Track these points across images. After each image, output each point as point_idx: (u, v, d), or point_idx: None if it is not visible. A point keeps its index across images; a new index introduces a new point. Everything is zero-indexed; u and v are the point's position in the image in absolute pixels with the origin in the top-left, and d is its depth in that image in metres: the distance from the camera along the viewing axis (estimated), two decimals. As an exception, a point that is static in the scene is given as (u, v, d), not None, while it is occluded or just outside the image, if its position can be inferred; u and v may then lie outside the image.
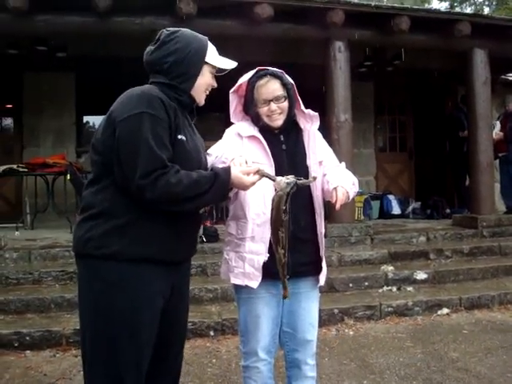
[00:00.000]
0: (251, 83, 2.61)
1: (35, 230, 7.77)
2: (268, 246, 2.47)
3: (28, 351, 4.44)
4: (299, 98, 2.67)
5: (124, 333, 2.08)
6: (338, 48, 7.07)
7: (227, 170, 2.18)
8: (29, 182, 8.07)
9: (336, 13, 6.71)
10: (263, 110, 2.59)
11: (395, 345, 4.61)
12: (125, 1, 6.17)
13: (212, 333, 4.81)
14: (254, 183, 2.22)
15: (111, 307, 2.08)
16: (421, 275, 6.03)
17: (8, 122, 9.61)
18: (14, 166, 7.68)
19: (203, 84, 2.27)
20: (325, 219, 2.74)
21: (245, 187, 2.24)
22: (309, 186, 2.55)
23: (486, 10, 23.46)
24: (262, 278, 2.50)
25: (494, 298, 5.67)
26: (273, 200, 2.22)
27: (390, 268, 6.11)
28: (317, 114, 2.68)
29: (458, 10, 21.97)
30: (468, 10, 22.63)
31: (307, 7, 6.75)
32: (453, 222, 8.18)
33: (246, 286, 2.54)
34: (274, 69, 2.64)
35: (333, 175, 2.59)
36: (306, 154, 2.63)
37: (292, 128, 2.69)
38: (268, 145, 2.57)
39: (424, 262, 6.53)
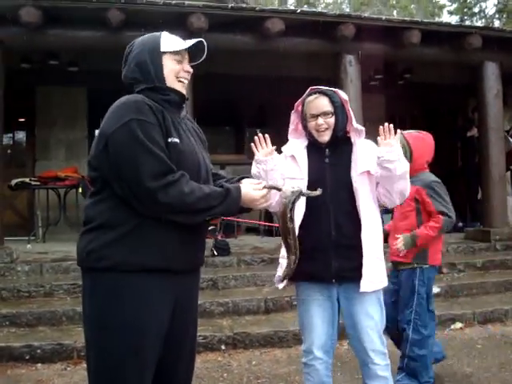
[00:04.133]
0: (303, 101, 2.84)
1: (47, 243, 7.79)
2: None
3: (39, 364, 4.44)
4: (352, 114, 2.81)
5: (127, 347, 2.04)
6: (349, 61, 7.09)
7: (238, 187, 2.20)
8: (41, 196, 8.12)
9: (347, 27, 6.75)
10: (311, 124, 2.79)
11: (408, 359, 4.54)
12: (137, 16, 6.22)
13: (223, 347, 4.77)
14: (263, 196, 2.24)
15: (114, 321, 2.04)
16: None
17: (20, 135, 9.67)
18: (27, 180, 7.78)
19: (170, 73, 2.23)
20: None
21: (255, 201, 2.23)
22: (352, 194, 2.69)
23: (497, 23, 23.43)
24: (316, 282, 2.73)
25: (507, 312, 5.61)
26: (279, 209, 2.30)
27: (402, 282, 6.04)
28: (363, 128, 2.82)
29: (468, 23, 21.96)
30: (478, 24, 22.60)
31: (318, 21, 6.79)
32: (465, 235, 8.14)
33: (303, 288, 2.79)
34: (326, 87, 2.84)
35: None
36: (350, 166, 2.74)
37: (342, 143, 2.82)
38: (310, 159, 2.79)
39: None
